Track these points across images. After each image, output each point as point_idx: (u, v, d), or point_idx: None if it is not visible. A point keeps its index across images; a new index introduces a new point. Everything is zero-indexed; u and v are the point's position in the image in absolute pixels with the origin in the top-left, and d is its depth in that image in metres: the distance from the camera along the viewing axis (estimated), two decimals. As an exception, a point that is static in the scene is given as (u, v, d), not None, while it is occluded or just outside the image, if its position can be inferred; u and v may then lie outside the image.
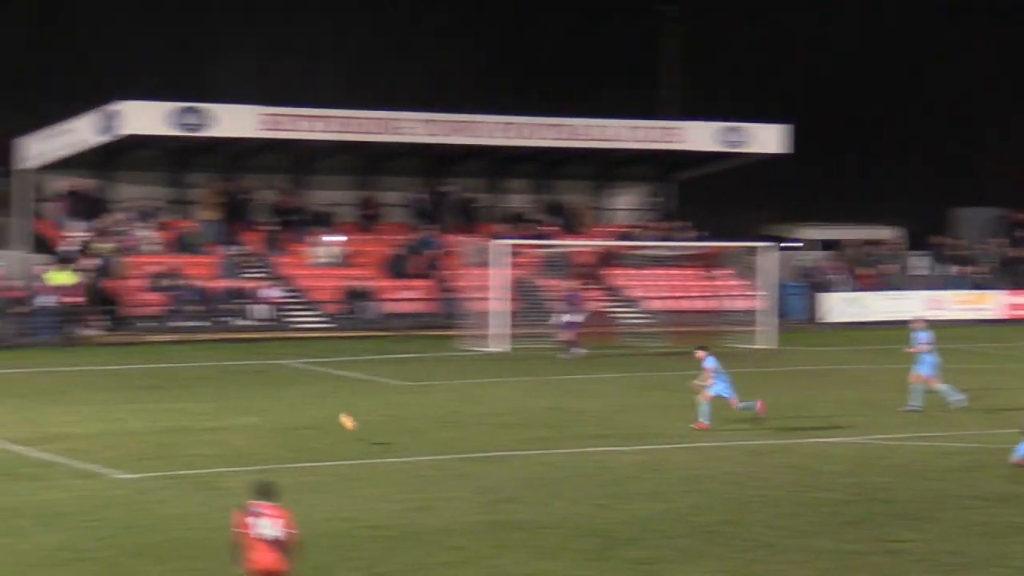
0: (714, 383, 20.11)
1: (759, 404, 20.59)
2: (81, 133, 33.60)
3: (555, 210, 40.65)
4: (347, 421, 18.52)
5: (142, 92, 35.22)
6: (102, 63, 48.42)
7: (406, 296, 36.56)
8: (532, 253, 37.32)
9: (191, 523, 13.92)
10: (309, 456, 17.94)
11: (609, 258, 39.84)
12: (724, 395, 20.22)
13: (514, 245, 34.41)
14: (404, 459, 17.91)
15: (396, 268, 37.16)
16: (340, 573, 11.82)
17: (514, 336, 31.86)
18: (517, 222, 39.76)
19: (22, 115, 40.31)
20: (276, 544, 8.83)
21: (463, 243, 36.02)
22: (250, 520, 8.88)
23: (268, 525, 8.84)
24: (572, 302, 31.97)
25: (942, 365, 22.66)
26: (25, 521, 13.69)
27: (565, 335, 31.07)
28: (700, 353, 20.58)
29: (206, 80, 45.03)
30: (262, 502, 8.99)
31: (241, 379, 27.09)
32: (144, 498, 15.23)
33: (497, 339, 31.83)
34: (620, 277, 39.29)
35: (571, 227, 40.12)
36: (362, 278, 36.27)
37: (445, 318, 34.47)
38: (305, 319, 35.09)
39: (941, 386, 22.33)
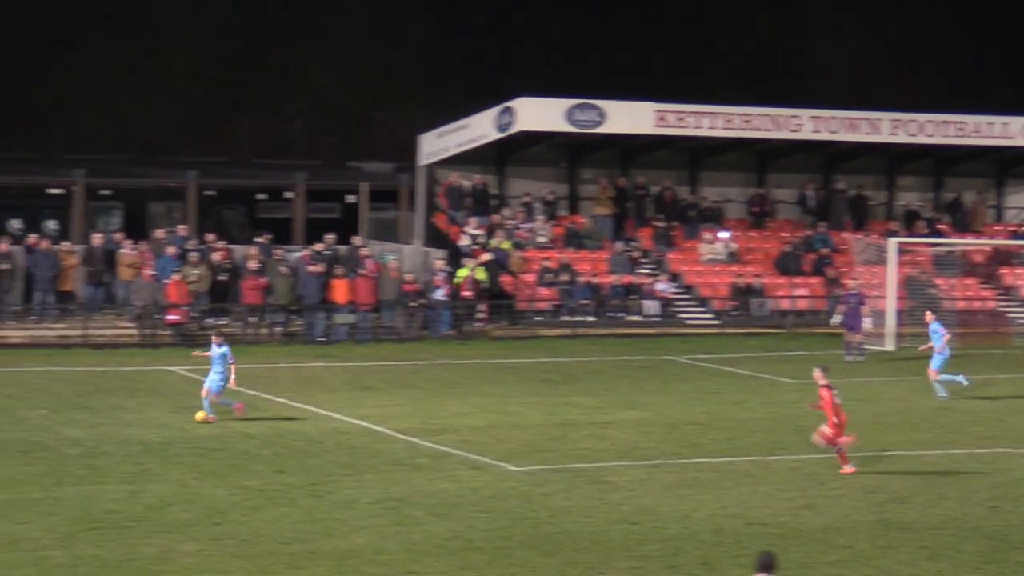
0: None
1: None
2: (478, 129, 34.64)
3: (949, 208, 39.12)
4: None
5: (537, 89, 35.86)
6: (499, 61, 50.60)
7: (797, 293, 35.77)
8: (923, 252, 36.07)
9: (579, 516, 13.92)
10: (696, 452, 17.69)
11: (1004, 257, 37.85)
12: None
13: (907, 243, 33.79)
14: (792, 457, 17.58)
15: (786, 265, 36.29)
16: (725, 568, 11.78)
17: (902, 335, 31.05)
18: (909, 220, 38.11)
19: (422, 112, 42.88)
20: None
21: (855, 241, 35.63)
22: None
23: None
24: (852, 302, 29.57)
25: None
26: (417, 510, 14.02)
27: (855, 336, 29.18)
28: None
29: (598, 76, 45.64)
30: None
31: (630, 374, 26.92)
32: (533, 490, 15.26)
33: (887, 337, 31.13)
34: (1015, 277, 37.42)
35: (965, 225, 38.59)
36: (752, 275, 35.55)
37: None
38: (695, 315, 34.50)
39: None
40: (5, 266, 29.22)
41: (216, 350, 19.40)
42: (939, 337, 23.36)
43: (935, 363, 23.25)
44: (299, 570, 11.48)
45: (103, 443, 17.77)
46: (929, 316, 24.29)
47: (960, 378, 23.16)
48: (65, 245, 31.03)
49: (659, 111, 34.73)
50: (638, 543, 12.66)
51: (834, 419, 16.04)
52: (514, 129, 33.66)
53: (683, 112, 35.22)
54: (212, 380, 19.29)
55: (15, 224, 34.15)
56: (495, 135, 34.21)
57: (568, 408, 21.96)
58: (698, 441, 18.88)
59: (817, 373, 16.46)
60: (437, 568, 11.65)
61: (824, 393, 16.16)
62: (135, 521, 13.16)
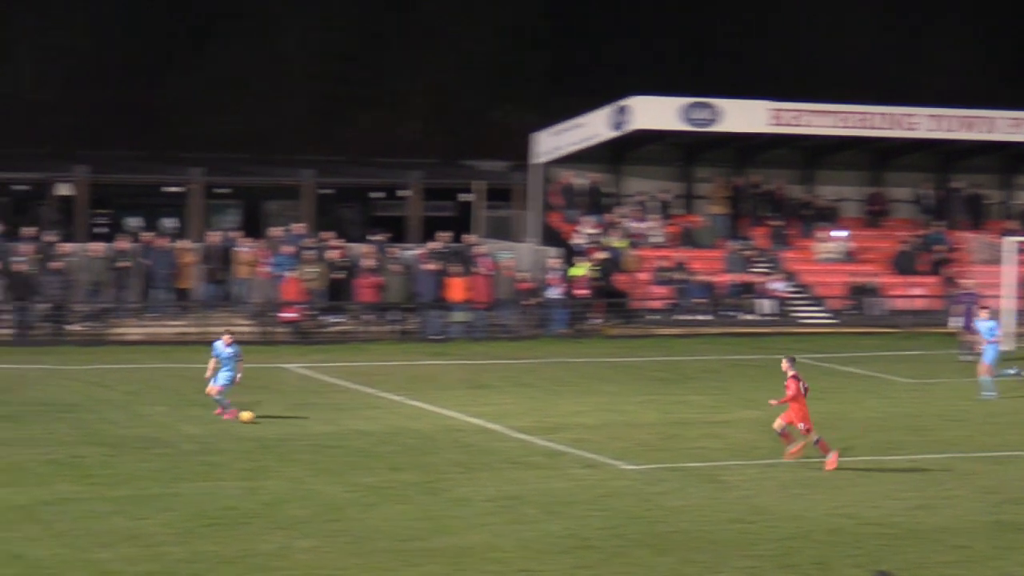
0: None
1: None
2: (593, 128, 34.87)
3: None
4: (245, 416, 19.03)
5: (652, 87, 35.87)
6: (614, 60, 50.57)
7: (913, 293, 35.27)
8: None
9: (694, 515, 13.98)
10: (810, 451, 17.29)
11: None
12: None
13: (1024, 242, 33.17)
14: (908, 456, 17.70)
15: (903, 264, 35.90)
16: (839, 568, 11.77)
17: (1021, 334, 30.77)
18: (1028, 219, 37.44)
19: (537, 111, 43.17)
20: None
21: (972, 240, 35.83)
22: None
23: None
24: (967, 302, 28.74)
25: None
26: (531, 508, 14.19)
27: (971, 336, 28.02)
28: None
29: (713, 75, 45.28)
30: None
31: (745, 373, 26.86)
32: (648, 489, 15.38)
33: (1006, 337, 29.84)
34: None
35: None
36: (868, 274, 35.33)
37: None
38: (810, 314, 34.29)
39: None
40: (124, 264, 29.83)
41: (226, 350, 19.61)
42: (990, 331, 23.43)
43: (987, 356, 23.16)
44: (414, 567, 11.58)
45: (220, 440, 18.10)
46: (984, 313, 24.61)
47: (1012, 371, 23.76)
48: (183, 243, 31.61)
49: (774, 109, 34.61)
50: (752, 543, 12.72)
51: (797, 408, 16.39)
52: (629, 128, 33.86)
53: (799, 110, 35.06)
54: (221, 377, 19.55)
55: (134, 222, 34.49)
56: (610, 134, 34.46)
57: (682, 407, 22.04)
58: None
59: (785, 364, 16.81)
60: (552, 566, 11.76)
61: (791, 384, 16.43)
62: (252, 517, 13.40)
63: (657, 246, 35.01)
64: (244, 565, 11.58)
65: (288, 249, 31.48)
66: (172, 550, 12.00)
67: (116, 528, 12.83)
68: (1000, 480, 15.95)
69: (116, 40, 47.04)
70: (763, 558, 12.16)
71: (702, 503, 14.55)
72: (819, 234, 36.19)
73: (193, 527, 12.94)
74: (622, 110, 33.85)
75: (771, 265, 35.13)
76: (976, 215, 37.87)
